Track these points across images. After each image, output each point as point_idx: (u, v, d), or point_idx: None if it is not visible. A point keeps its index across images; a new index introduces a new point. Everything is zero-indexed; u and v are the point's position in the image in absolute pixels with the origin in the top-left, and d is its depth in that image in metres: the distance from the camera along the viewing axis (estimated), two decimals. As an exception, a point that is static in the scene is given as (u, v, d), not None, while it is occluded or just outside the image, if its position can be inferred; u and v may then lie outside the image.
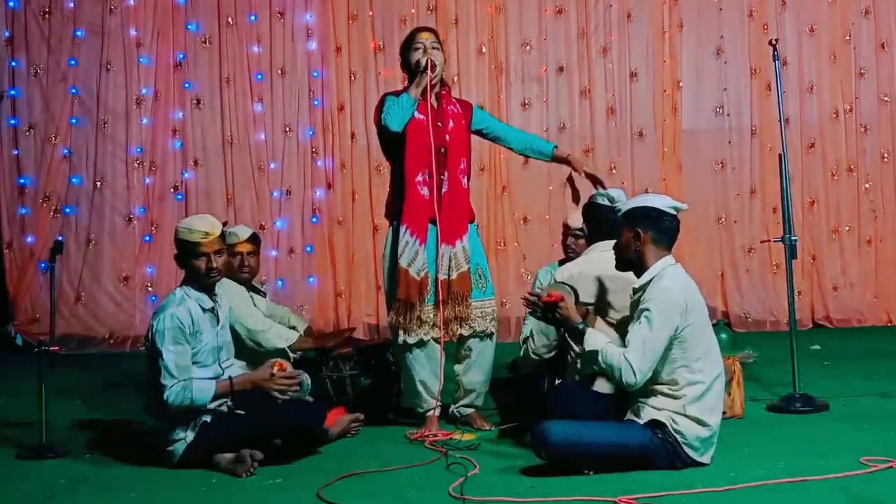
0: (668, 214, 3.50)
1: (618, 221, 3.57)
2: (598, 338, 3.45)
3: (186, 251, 3.73)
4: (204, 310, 3.75)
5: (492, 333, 4.34)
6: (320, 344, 4.60)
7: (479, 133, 4.53)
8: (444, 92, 4.38)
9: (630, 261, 3.52)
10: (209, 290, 3.79)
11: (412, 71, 4.30)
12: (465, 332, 4.27)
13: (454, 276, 4.22)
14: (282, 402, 3.73)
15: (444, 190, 4.24)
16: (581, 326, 3.49)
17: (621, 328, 3.64)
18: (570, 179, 4.44)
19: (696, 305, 3.44)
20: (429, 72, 4.22)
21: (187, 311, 3.68)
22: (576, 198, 4.39)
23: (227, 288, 4.23)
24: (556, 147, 4.55)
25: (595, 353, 3.40)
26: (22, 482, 3.60)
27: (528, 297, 3.61)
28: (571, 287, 3.72)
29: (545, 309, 3.55)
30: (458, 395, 4.39)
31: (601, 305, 3.80)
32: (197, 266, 3.72)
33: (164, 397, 3.59)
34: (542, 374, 4.20)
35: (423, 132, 4.22)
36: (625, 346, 3.39)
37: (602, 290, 3.80)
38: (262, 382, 3.72)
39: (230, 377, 3.74)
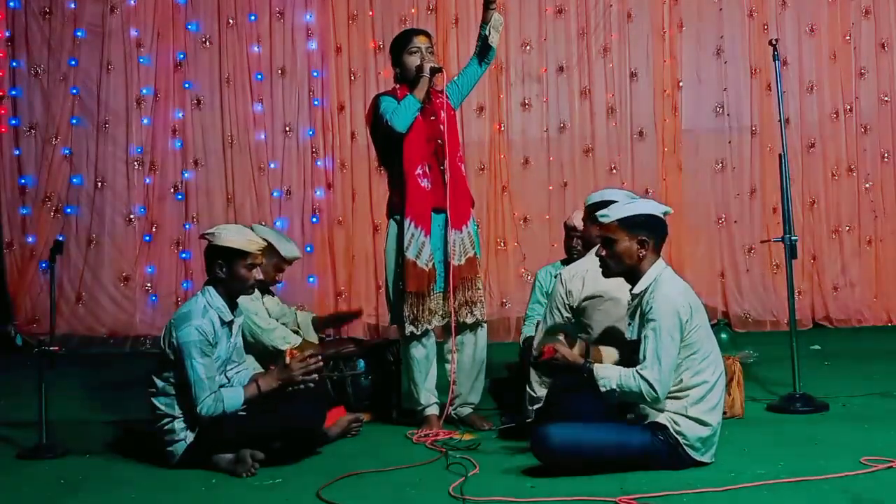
0: (663, 220, 3.52)
1: (612, 228, 3.46)
2: (609, 371, 3.38)
3: (232, 259, 3.71)
4: (223, 322, 3.75)
5: (483, 321, 4.38)
6: (320, 351, 4.58)
7: (464, 96, 4.51)
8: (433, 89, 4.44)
9: (628, 269, 3.47)
10: (234, 301, 3.79)
11: (404, 73, 4.34)
12: (469, 319, 4.31)
13: (463, 261, 4.31)
14: (306, 387, 3.75)
15: (447, 177, 4.29)
16: (588, 367, 3.41)
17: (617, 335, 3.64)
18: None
19: (697, 308, 3.44)
20: (442, 74, 4.30)
21: (210, 323, 3.68)
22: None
23: None
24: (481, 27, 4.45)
25: (612, 389, 3.34)
26: (22, 482, 3.60)
27: (531, 360, 3.57)
28: (562, 327, 3.67)
29: (545, 367, 3.51)
30: (455, 395, 4.39)
31: (604, 302, 3.84)
32: (243, 275, 3.72)
33: (199, 410, 3.60)
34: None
35: (418, 127, 4.29)
36: (636, 362, 3.35)
37: (607, 287, 3.82)
38: (284, 376, 3.75)
39: (255, 381, 3.75)
